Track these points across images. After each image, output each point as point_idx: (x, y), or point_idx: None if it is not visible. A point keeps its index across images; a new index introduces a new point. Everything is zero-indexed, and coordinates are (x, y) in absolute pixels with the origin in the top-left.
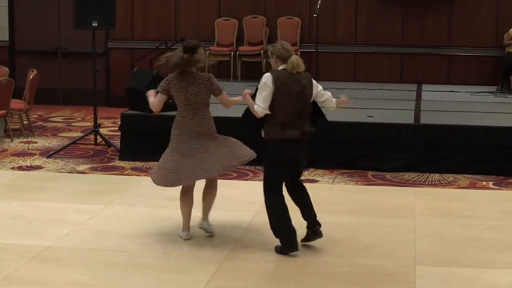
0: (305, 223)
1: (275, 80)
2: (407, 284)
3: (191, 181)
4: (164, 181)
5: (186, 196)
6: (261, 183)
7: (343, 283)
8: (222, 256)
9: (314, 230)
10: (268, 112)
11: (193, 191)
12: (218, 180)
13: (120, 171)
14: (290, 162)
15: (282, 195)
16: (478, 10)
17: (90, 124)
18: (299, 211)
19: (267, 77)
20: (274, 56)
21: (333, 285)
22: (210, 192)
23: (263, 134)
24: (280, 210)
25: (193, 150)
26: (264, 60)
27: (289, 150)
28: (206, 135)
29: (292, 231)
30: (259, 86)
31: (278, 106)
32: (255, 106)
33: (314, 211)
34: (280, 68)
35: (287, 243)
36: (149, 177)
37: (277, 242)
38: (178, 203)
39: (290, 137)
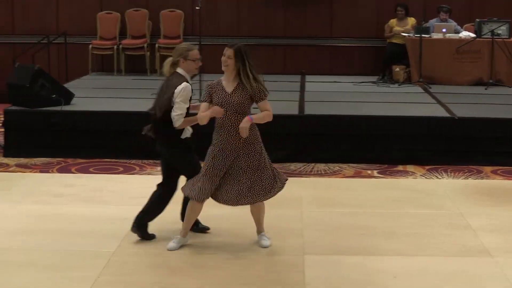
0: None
1: None
2: (296, 273)
3: None
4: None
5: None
6: (147, 177)
7: (231, 274)
8: (110, 251)
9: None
10: None
11: None
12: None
13: (4, 168)
14: None
15: None
16: (359, 1)
17: None
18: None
19: None
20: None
21: (221, 277)
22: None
23: None
24: None
25: None
26: (148, 53)
27: None
28: None
29: None
30: None
31: None
32: None
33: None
34: None
35: None
36: (36, 174)
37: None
38: (63, 199)
39: None
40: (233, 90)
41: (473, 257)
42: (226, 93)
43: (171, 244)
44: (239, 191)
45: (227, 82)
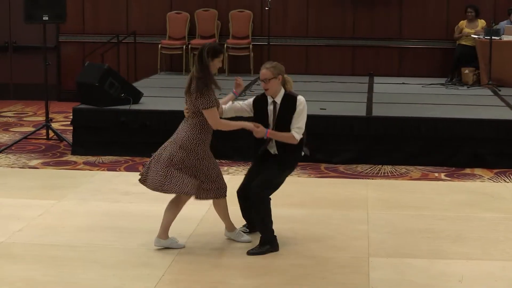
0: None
1: None
2: (360, 275)
3: None
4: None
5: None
6: None
7: (296, 275)
8: (176, 250)
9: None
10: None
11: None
12: None
13: (73, 165)
14: None
15: None
16: (428, 3)
17: (41, 118)
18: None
19: (304, 101)
20: (280, 76)
21: (286, 277)
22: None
23: (304, 152)
24: (271, 213)
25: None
26: None
27: None
28: None
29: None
30: (299, 111)
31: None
32: (294, 134)
33: None
34: (283, 90)
35: (275, 242)
36: (103, 172)
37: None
38: (130, 197)
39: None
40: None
41: None
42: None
43: (245, 237)
44: None
45: None
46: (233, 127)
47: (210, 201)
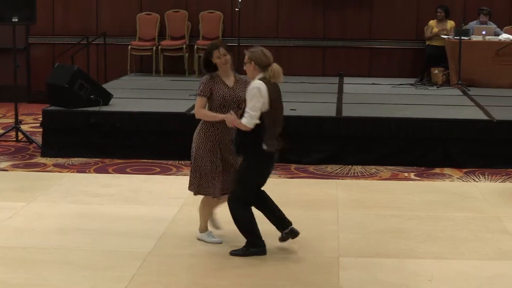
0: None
1: (270, 91)
2: (330, 276)
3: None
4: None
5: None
6: (184, 178)
7: (267, 276)
8: (146, 251)
9: (291, 230)
10: (258, 122)
11: None
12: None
13: (42, 167)
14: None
15: None
16: (399, 3)
17: (11, 120)
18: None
19: (262, 86)
20: (253, 62)
21: (257, 278)
22: None
23: (265, 147)
24: (253, 217)
25: None
26: (187, 54)
27: (275, 161)
28: None
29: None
30: (248, 94)
31: (275, 118)
32: (243, 119)
33: (282, 212)
34: (259, 77)
35: (261, 247)
36: (73, 174)
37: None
38: (100, 199)
39: (281, 148)
40: (234, 85)
41: (510, 260)
42: (228, 87)
43: (215, 238)
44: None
45: (227, 77)
46: (209, 118)
47: (180, 202)
